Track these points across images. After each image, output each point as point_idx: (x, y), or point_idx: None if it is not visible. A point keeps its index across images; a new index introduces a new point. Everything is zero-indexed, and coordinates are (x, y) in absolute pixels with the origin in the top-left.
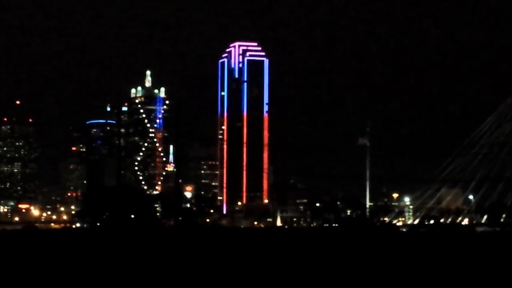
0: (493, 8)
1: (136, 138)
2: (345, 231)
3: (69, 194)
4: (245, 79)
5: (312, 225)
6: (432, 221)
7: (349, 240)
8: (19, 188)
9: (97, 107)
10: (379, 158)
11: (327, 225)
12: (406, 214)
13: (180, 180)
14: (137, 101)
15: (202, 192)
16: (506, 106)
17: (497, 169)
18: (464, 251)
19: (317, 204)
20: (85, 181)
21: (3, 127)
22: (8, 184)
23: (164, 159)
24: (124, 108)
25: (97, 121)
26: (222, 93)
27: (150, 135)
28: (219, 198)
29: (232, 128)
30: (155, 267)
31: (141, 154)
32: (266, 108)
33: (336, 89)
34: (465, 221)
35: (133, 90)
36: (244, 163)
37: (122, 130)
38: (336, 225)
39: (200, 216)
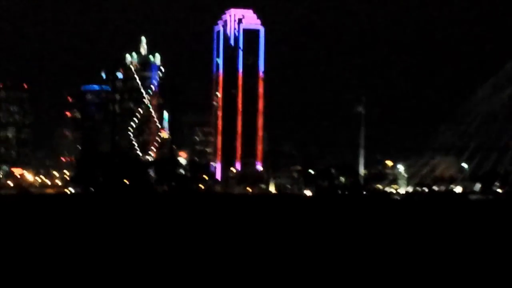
0: None
1: (130, 104)
2: (340, 198)
3: (63, 159)
4: (241, 47)
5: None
6: (426, 189)
7: (344, 207)
8: (13, 153)
9: (92, 73)
10: (373, 125)
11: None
12: (400, 181)
13: (174, 147)
14: (132, 67)
15: (196, 159)
16: (502, 75)
17: (491, 138)
18: (457, 218)
19: (311, 171)
20: (79, 147)
21: None
22: (2, 149)
23: (158, 125)
24: (119, 75)
25: (92, 87)
26: (218, 61)
27: (145, 101)
28: (213, 164)
29: (227, 95)
30: (151, 232)
31: (135, 120)
32: (261, 75)
33: (332, 57)
34: (459, 189)
35: (128, 57)
36: (239, 130)
37: (117, 97)
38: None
39: (194, 182)
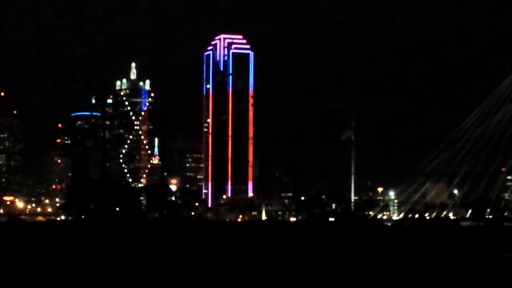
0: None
1: (121, 130)
2: (331, 225)
3: (53, 186)
4: (230, 72)
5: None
6: (417, 215)
7: (335, 234)
8: (3, 180)
9: (82, 100)
10: (364, 152)
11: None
12: (391, 208)
13: (165, 173)
14: (122, 93)
15: (187, 185)
16: (491, 100)
17: (482, 164)
18: (449, 245)
19: (302, 198)
20: (69, 174)
21: None
22: None
23: (149, 151)
24: (109, 101)
25: (82, 113)
26: (207, 86)
27: (135, 127)
28: (204, 191)
29: (217, 121)
30: (141, 260)
31: (126, 146)
32: (251, 101)
33: (321, 83)
34: (450, 216)
35: (118, 83)
36: (229, 156)
37: (107, 123)
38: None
39: (185, 209)
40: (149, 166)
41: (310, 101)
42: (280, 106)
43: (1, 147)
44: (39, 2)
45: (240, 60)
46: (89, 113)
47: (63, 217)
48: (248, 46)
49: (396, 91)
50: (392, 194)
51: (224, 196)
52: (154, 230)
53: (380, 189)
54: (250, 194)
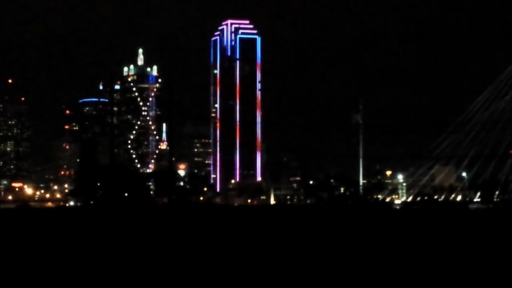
0: None
1: (129, 116)
2: (339, 208)
3: (62, 172)
4: (238, 57)
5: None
6: (425, 198)
7: (343, 217)
8: (12, 167)
9: (89, 86)
10: (372, 135)
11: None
12: (400, 191)
13: (173, 158)
14: (129, 79)
15: (196, 170)
16: (499, 83)
17: (490, 146)
18: (458, 228)
19: (311, 182)
20: (78, 160)
21: None
22: (1, 162)
23: (157, 137)
24: (117, 87)
25: (89, 99)
26: (215, 71)
27: (143, 113)
28: (212, 176)
29: (225, 106)
30: (150, 245)
31: (134, 132)
32: (258, 86)
33: (329, 67)
34: (458, 198)
35: (125, 69)
36: (237, 141)
37: (115, 109)
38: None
39: (193, 194)
40: (157, 151)
41: (317, 85)
42: (287, 90)
43: (10, 133)
44: None
45: (247, 45)
46: (97, 99)
47: (72, 203)
48: (255, 31)
49: (406, 74)
50: (400, 177)
51: (233, 181)
52: (163, 215)
53: (388, 173)
54: (259, 178)
